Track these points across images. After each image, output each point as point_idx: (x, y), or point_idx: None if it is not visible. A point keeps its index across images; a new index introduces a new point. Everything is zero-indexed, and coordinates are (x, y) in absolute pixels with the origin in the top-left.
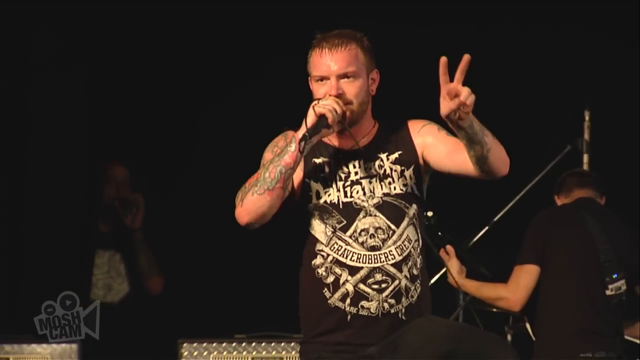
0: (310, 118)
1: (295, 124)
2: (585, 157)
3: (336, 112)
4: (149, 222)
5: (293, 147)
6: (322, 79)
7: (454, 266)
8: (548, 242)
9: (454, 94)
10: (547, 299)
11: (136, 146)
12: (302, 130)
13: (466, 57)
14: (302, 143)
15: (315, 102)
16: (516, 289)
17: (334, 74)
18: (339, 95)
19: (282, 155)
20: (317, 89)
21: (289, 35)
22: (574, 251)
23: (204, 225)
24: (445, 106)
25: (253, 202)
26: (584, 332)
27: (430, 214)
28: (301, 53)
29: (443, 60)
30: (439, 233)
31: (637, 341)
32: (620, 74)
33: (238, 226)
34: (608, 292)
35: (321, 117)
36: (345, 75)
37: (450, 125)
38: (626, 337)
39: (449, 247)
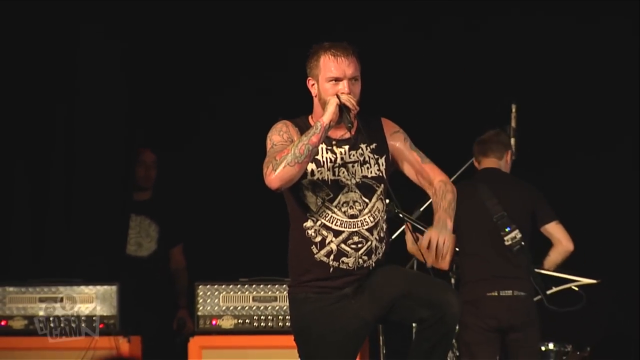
0: (333, 107)
1: (285, 113)
2: (512, 140)
3: (354, 106)
4: (169, 192)
5: (319, 129)
6: (336, 79)
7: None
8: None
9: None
10: (464, 256)
11: (162, 123)
12: (328, 116)
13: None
14: (327, 127)
15: (335, 96)
16: None
17: (348, 77)
18: (349, 94)
19: (310, 136)
20: (329, 88)
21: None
22: (473, 218)
23: (213, 192)
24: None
25: (285, 172)
26: (492, 277)
27: (387, 201)
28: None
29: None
30: (394, 206)
31: (549, 273)
32: (541, 75)
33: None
34: (507, 243)
35: (345, 108)
36: (354, 78)
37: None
38: (543, 271)
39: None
